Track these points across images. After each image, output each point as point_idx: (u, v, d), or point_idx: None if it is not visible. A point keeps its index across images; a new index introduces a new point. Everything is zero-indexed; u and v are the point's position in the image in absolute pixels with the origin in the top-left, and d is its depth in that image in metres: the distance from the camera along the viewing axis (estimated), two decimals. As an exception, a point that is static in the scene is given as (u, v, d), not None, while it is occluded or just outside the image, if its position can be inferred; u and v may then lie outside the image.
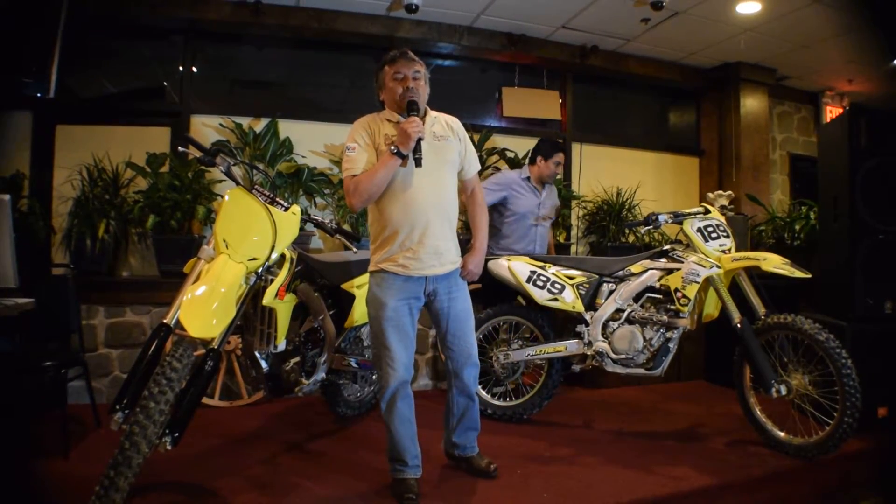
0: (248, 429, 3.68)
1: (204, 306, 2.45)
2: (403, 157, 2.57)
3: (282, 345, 3.05)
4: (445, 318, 2.80)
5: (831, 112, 6.77)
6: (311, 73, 5.42)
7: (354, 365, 3.59)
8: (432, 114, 2.81)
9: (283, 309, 3.00)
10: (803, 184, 6.66)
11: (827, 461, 3.16)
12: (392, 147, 2.56)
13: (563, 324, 4.14)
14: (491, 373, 3.90)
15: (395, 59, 2.72)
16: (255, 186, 2.89)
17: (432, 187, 2.67)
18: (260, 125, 4.83)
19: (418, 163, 2.56)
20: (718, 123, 6.30)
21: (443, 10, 4.92)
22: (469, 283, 2.92)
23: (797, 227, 5.40)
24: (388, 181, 2.60)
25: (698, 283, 3.45)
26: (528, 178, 4.41)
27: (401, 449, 2.72)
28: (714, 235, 3.58)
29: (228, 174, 2.91)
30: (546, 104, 5.83)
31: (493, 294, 4.05)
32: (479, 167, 2.99)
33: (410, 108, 2.62)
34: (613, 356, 3.63)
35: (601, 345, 3.65)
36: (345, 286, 3.45)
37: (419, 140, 2.55)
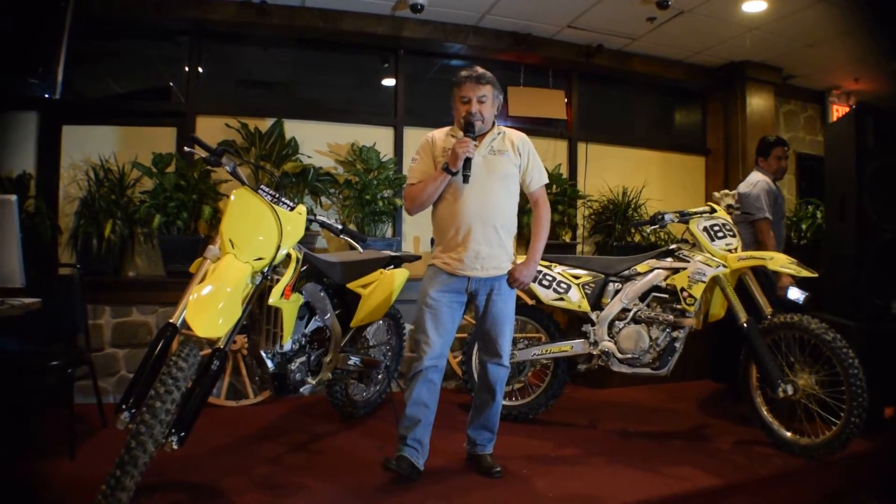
0: (253, 428, 3.69)
1: (210, 306, 2.45)
2: (453, 174, 2.79)
3: (288, 344, 3.05)
4: (481, 317, 2.98)
5: (838, 111, 6.73)
6: (317, 72, 5.42)
7: (360, 364, 3.59)
8: (498, 129, 2.99)
9: (289, 309, 2.99)
10: (810, 183, 6.63)
11: (833, 461, 3.14)
12: (443, 164, 2.81)
13: (568, 323, 4.13)
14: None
15: (461, 83, 2.87)
16: (261, 186, 2.89)
17: (478, 197, 2.85)
18: (266, 125, 4.83)
19: (465, 179, 2.80)
20: (724, 122, 6.29)
21: (448, 9, 4.91)
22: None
23: (804, 227, 5.39)
24: (437, 193, 2.87)
25: (704, 282, 3.44)
26: (774, 180, 4.41)
27: (407, 425, 2.88)
28: (720, 235, 3.57)
29: (234, 174, 2.91)
30: (551, 104, 5.82)
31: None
32: (544, 181, 3.08)
33: (467, 129, 2.81)
34: (619, 356, 3.62)
35: (607, 344, 3.64)
36: (350, 286, 3.45)
37: (468, 159, 2.76)
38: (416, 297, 3.01)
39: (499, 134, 2.97)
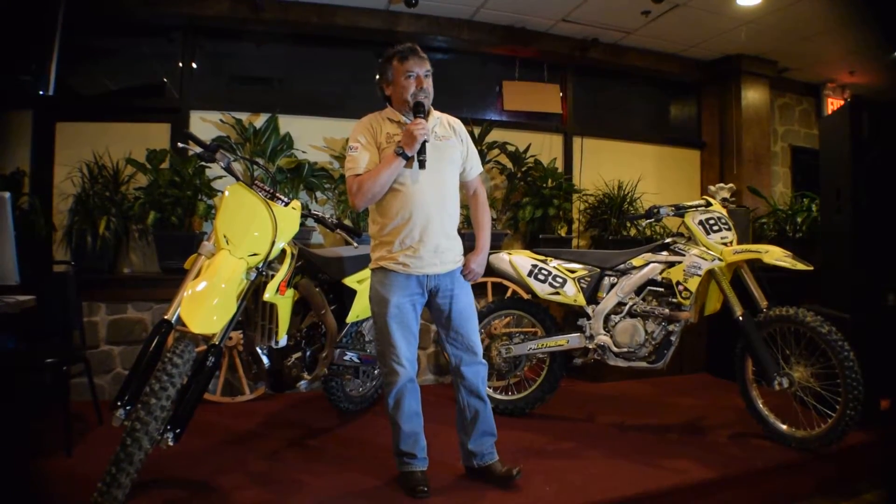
0: (249, 425, 3.68)
1: (205, 302, 2.45)
2: (408, 159, 2.57)
3: (283, 340, 3.05)
4: (447, 315, 2.77)
5: (833, 104, 6.76)
6: (311, 68, 5.40)
7: (356, 360, 3.59)
8: (435, 114, 2.80)
9: (284, 304, 2.99)
10: (805, 176, 6.65)
11: (829, 454, 3.15)
12: (397, 148, 2.56)
13: (564, 317, 4.13)
14: (493, 367, 3.89)
15: (406, 57, 2.66)
16: (256, 182, 2.89)
17: (433, 186, 2.67)
18: (260, 121, 4.82)
19: (422, 164, 2.58)
20: (720, 116, 6.29)
21: (442, 3, 4.91)
22: None
23: (799, 220, 5.39)
24: (391, 181, 2.60)
25: (700, 276, 3.44)
26: None
27: (410, 442, 2.73)
28: (716, 228, 3.57)
29: (228, 170, 2.90)
30: (546, 97, 5.81)
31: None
32: (481, 168, 2.98)
33: (417, 110, 2.62)
34: (615, 350, 3.63)
35: (603, 338, 3.64)
36: (346, 281, 3.45)
37: (424, 142, 2.56)
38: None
39: (438, 119, 2.79)
